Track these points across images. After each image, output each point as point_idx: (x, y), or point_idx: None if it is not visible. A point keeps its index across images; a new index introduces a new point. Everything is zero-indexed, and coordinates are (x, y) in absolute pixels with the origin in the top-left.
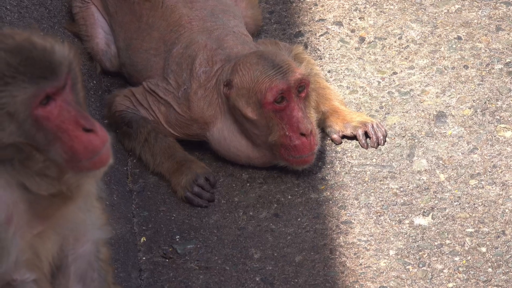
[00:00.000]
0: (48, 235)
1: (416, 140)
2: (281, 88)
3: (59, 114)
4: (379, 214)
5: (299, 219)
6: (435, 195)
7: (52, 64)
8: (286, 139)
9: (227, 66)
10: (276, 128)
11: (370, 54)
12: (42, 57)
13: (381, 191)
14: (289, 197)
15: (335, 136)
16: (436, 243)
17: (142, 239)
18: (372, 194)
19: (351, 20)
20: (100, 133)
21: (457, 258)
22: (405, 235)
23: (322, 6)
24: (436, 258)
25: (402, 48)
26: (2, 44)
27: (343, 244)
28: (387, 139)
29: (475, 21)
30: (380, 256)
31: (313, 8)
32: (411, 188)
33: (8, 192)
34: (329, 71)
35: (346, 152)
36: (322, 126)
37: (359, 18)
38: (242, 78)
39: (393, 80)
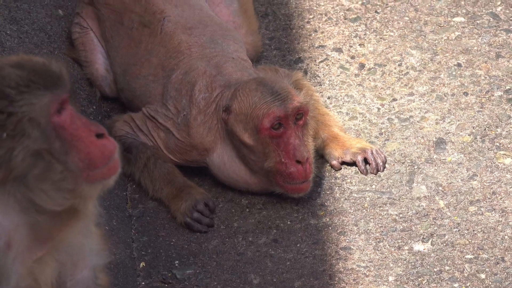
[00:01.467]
0: (47, 261)
1: (415, 167)
2: (278, 114)
3: (72, 122)
4: (378, 240)
5: (298, 245)
6: (435, 222)
7: (56, 74)
8: (282, 166)
9: (226, 92)
10: (272, 154)
11: (370, 80)
12: (46, 69)
13: (380, 217)
14: (288, 222)
15: (334, 162)
16: (435, 270)
17: (141, 264)
18: (372, 220)
19: (351, 46)
20: (109, 138)
21: (456, 285)
22: (404, 261)
23: (322, 32)
24: (435, 285)
25: (402, 74)
26: (4, 62)
27: (342, 270)
28: (386, 165)
29: (475, 48)
30: (380, 282)
31: (313, 34)
32: (411, 214)
33: (9, 217)
34: (328, 98)
35: (346, 178)
36: (322, 152)
37: (359, 45)
38: (241, 103)
39: (393, 107)
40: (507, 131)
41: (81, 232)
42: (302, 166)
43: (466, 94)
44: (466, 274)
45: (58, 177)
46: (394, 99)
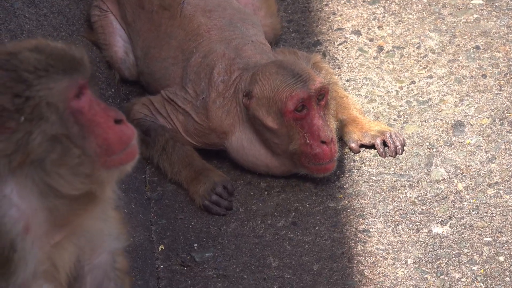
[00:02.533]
0: (66, 246)
1: (434, 149)
2: (302, 96)
3: (91, 107)
4: (397, 223)
5: (317, 228)
6: (453, 204)
7: (76, 59)
8: (307, 147)
9: (245, 75)
10: (297, 136)
11: (388, 63)
12: (65, 54)
13: (399, 200)
14: (307, 205)
15: (353, 145)
16: (454, 252)
17: (160, 247)
18: (390, 203)
19: (369, 29)
20: (127, 124)
21: (475, 267)
22: (423, 244)
23: (341, 15)
24: (454, 267)
25: (421, 57)
26: (20, 47)
27: (361, 253)
28: (405, 148)
29: (494, 30)
30: (398, 265)
31: (332, 17)
32: (429, 197)
33: (27, 201)
34: (347, 80)
35: (364, 161)
36: (340, 135)
37: (378, 27)
38: (262, 87)
39: (411, 89)
40: None
41: (99, 217)
42: (327, 146)
43: (484, 76)
44: (484, 257)
45: (76, 161)
46: (413, 82)
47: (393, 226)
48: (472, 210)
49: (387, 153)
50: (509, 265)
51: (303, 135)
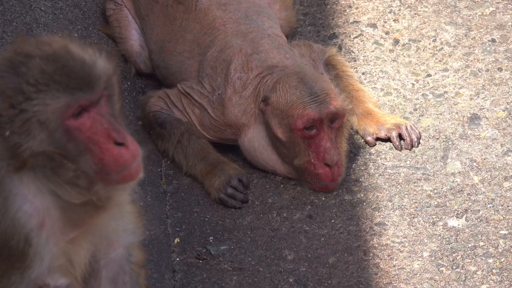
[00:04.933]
0: (81, 242)
1: (450, 142)
2: (313, 117)
3: (91, 126)
4: (412, 216)
5: (332, 221)
6: (469, 197)
7: (89, 76)
8: (311, 166)
9: (268, 78)
10: (302, 153)
11: (404, 56)
12: (80, 68)
13: (415, 193)
14: (323, 198)
15: (369, 138)
16: (469, 245)
17: (176, 240)
18: (406, 196)
19: (385, 22)
20: (132, 147)
21: (490, 260)
22: (439, 237)
23: (357, 8)
24: (469, 260)
25: (436, 50)
26: (38, 51)
27: (376, 245)
28: (421, 141)
29: (509, 23)
30: (414, 258)
31: (348, 10)
32: (445, 190)
33: (39, 198)
34: (363, 73)
35: (380, 154)
36: (356, 128)
37: (394, 20)
38: (279, 98)
39: (427, 83)
40: None
41: (114, 215)
42: (330, 169)
43: (500, 69)
44: (500, 250)
45: (71, 175)
46: (429, 75)
47: (408, 219)
48: (488, 203)
49: (403, 146)
50: None
51: (309, 154)
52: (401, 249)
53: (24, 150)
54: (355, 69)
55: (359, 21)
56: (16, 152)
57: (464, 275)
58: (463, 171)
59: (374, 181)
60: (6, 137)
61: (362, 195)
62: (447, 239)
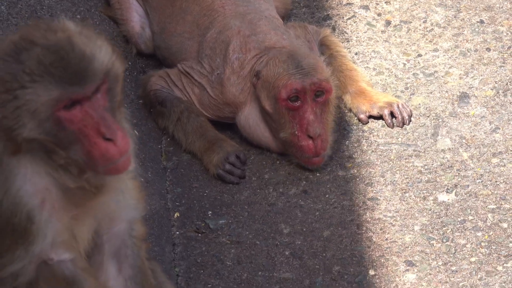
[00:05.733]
0: (84, 219)
1: (440, 120)
2: (295, 87)
3: (82, 119)
4: (404, 191)
5: (327, 196)
6: (458, 173)
7: (85, 71)
8: (295, 138)
9: (265, 58)
10: (287, 125)
11: (395, 37)
12: (77, 62)
13: (406, 169)
14: (318, 174)
15: (362, 116)
16: (459, 219)
17: (175, 215)
18: (398, 172)
19: (377, 4)
20: (120, 143)
21: (479, 234)
22: (429, 211)
23: None
24: (459, 234)
25: (427, 31)
26: (42, 39)
27: (369, 219)
28: (412, 119)
29: (497, 5)
30: (405, 231)
31: None
32: (435, 166)
33: (39, 179)
34: (356, 53)
35: (373, 131)
36: (349, 106)
37: (385, 2)
38: (268, 72)
39: (418, 62)
40: None
41: (115, 194)
42: (313, 141)
43: (488, 49)
44: (488, 224)
45: (62, 162)
46: (419, 55)
47: (400, 194)
48: (477, 179)
49: (395, 124)
50: None
51: (293, 126)
52: (393, 223)
53: (16, 135)
54: (348, 50)
55: (352, 3)
56: (10, 135)
57: (454, 248)
58: (452, 148)
59: (367, 158)
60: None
61: (355, 171)
62: (437, 213)
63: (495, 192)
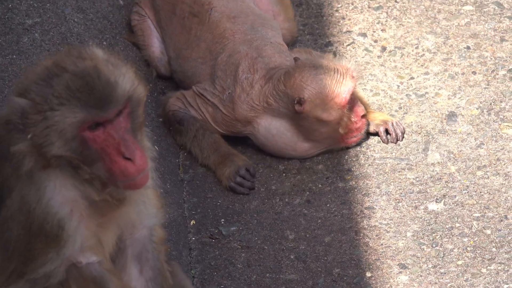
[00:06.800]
0: (109, 226)
1: (430, 137)
2: (346, 92)
3: (104, 139)
4: (397, 200)
5: (328, 205)
6: (447, 184)
7: (108, 97)
8: (352, 125)
9: (270, 83)
10: (343, 121)
11: (390, 61)
12: (101, 89)
13: (399, 180)
14: (320, 185)
15: None
16: (447, 226)
17: (191, 222)
18: (392, 183)
19: (374, 31)
20: (139, 162)
21: (465, 239)
22: (420, 219)
23: (349, 19)
24: (447, 239)
25: (419, 56)
26: (71, 66)
27: (366, 227)
28: (405, 135)
29: (482, 33)
30: (399, 237)
31: (341, 21)
32: (426, 178)
33: (67, 190)
34: None
35: (369, 146)
36: None
37: (381, 30)
38: (311, 94)
39: (411, 84)
40: (510, 105)
41: (136, 205)
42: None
43: (474, 73)
44: (474, 230)
45: (87, 176)
46: (412, 78)
47: (394, 204)
48: (463, 190)
49: (389, 140)
50: (495, 237)
51: (348, 116)
52: (388, 230)
53: (46, 152)
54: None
55: (351, 31)
56: (41, 152)
57: (442, 252)
58: (441, 162)
59: (364, 171)
60: (30, 138)
61: (353, 182)
62: (428, 221)
63: (480, 201)
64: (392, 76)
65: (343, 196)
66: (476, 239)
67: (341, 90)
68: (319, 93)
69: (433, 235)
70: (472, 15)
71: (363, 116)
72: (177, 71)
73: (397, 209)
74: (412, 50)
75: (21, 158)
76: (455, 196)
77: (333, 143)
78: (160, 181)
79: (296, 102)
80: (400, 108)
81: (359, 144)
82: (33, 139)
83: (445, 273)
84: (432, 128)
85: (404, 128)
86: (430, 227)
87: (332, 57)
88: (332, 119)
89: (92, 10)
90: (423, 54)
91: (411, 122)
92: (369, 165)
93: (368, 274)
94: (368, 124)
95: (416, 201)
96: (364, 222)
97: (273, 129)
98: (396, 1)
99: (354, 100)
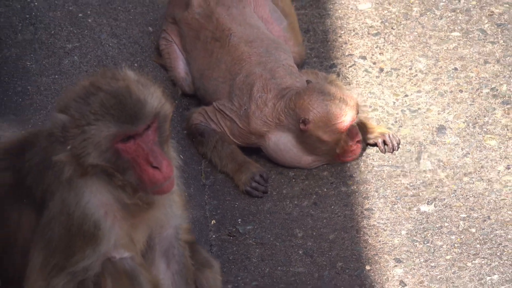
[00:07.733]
0: (140, 226)
1: (422, 147)
2: (347, 120)
3: (135, 150)
4: (393, 203)
5: (332, 207)
6: (437, 189)
7: (138, 114)
8: (346, 146)
9: (282, 101)
10: (340, 143)
11: (387, 81)
12: (132, 106)
13: (395, 185)
14: (325, 190)
15: None
16: (437, 225)
17: (212, 222)
18: (388, 188)
19: (373, 55)
20: (165, 170)
21: (453, 237)
22: (414, 219)
23: (351, 44)
24: (437, 237)
25: (412, 76)
26: (106, 86)
27: (366, 226)
28: (400, 146)
29: (468, 56)
30: (394, 235)
31: (344, 46)
32: (418, 183)
33: (102, 195)
34: (355, 94)
35: (369, 155)
36: None
37: (379, 54)
38: (315, 117)
39: (405, 101)
40: (492, 120)
41: (164, 208)
42: (358, 145)
43: (461, 91)
44: (460, 229)
45: (120, 183)
46: (406, 95)
47: (390, 206)
48: (451, 193)
49: (387, 150)
50: (479, 235)
51: (345, 140)
52: (385, 228)
53: (83, 161)
54: (349, 91)
55: (353, 54)
56: (79, 161)
57: (433, 248)
58: (432, 169)
59: (364, 177)
60: (69, 149)
61: (355, 187)
62: (420, 220)
63: (466, 204)
64: (389, 94)
65: (346, 199)
66: (462, 236)
67: (343, 118)
68: (322, 117)
69: (425, 233)
70: (459, 40)
71: (358, 142)
72: (200, 89)
73: (393, 210)
74: (406, 71)
75: (62, 166)
76: (444, 199)
77: (331, 159)
78: (184, 186)
79: (301, 121)
80: (396, 122)
81: (360, 154)
82: (72, 150)
83: (435, 266)
84: (424, 140)
85: (399, 140)
86: (422, 226)
87: (336, 77)
88: (330, 140)
89: (125, 36)
90: (416, 75)
91: (406, 134)
92: (369, 171)
93: (368, 267)
94: (364, 149)
95: (409, 203)
96: (364, 221)
97: (281, 144)
98: (392, 28)
99: (353, 128)
